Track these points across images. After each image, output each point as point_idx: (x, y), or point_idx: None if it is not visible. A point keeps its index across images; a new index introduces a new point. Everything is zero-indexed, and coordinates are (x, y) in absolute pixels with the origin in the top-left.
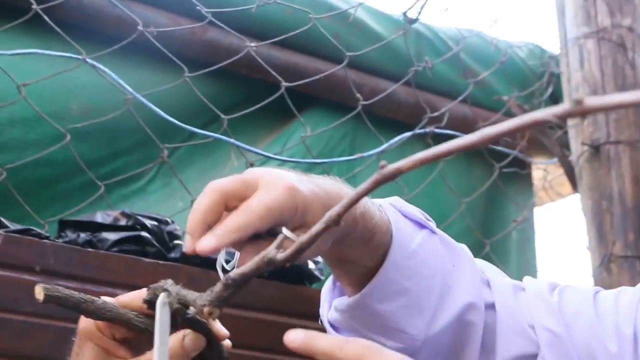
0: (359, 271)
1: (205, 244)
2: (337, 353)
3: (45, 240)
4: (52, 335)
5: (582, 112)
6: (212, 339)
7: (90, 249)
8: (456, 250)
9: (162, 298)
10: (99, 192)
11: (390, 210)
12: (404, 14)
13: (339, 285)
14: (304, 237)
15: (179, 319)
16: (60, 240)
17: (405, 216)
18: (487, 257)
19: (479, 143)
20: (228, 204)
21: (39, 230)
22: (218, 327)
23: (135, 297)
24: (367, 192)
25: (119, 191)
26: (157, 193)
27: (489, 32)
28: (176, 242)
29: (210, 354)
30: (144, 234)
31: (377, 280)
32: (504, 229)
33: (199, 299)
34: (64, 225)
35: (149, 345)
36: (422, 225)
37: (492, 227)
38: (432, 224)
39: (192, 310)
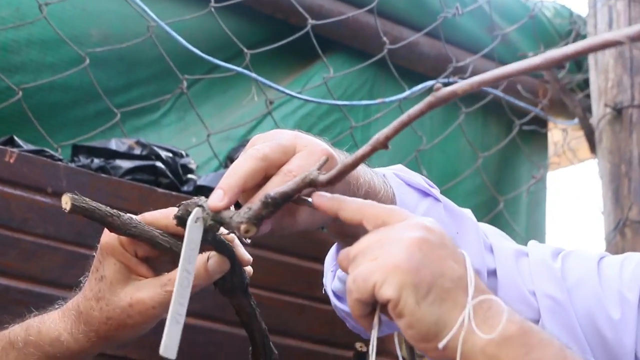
0: None
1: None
2: (366, 208)
3: (59, 162)
4: (61, 258)
5: None
6: (235, 263)
7: (103, 175)
8: (460, 217)
9: (195, 213)
10: (114, 119)
11: (395, 181)
12: None
13: None
14: (348, 158)
15: (210, 237)
16: (73, 164)
17: (409, 185)
18: (499, 215)
19: (543, 65)
20: (268, 172)
21: (52, 152)
22: (242, 251)
23: (161, 216)
24: (420, 115)
25: (132, 122)
26: (171, 126)
27: None
28: (189, 175)
29: (232, 278)
30: (158, 164)
31: None
32: (515, 188)
33: (236, 217)
34: (77, 150)
35: (170, 265)
36: (425, 194)
37: (504, 186)
38: (436, 191)
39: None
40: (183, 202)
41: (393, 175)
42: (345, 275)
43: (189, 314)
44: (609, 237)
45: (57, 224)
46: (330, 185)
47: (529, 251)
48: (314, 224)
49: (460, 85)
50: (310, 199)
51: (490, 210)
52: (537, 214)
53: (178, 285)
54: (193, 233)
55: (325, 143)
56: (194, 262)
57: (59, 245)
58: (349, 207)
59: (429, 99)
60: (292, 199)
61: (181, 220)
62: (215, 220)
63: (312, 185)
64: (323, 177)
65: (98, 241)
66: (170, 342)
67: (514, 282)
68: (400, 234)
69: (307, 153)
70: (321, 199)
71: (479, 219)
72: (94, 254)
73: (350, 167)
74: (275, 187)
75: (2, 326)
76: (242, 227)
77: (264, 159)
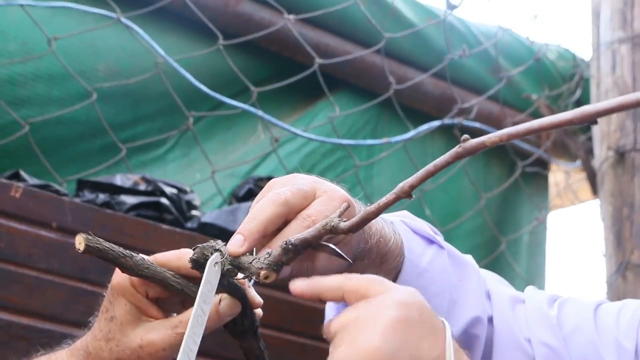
0: None
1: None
2: (345, 283)
3: (64, 197)
4: (64, 294)
5: None
6: (246, 306)
7: (108, 210)
8: (463, 264)
9: (214, 257)
10: (119, 154)
11: (402, 228)
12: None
13: None
14: (371, 207)
15: (225, 281)
16: (78, 199)
17: (415, 232)
18: (500, 256)
19: (576, 120)
20: (288, 217)
21: (57, 187)
22: (253, 294)
23: (173, 257)
24: (447, 165)
25: (138, 157)
26: (175, 162)
27: (520, 31)
28: (193, 212)
29: (243, 320)
30: (163, 200)
31: None
32: (516, 229)
33: (256, 262)
34: (82, 185)
35: (179, 306)
36: (430, 241)
37: (505, 227)
38: (440, 238)
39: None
40: (199, 245)
41: (400, 222)
42: None
43: None
44: (611, 280)
45: (61, 259)
46: (351, 232)
47: (526, 298)
48: (332, 270)
49: (489, 137)
50: (331, 245)
51: (491, 250)
52: (537, 254)
53: (192, 324)
54: (211, 275)
55: (343, 189)
56: (209, 302)
57: (62, 281)
58: (329, 287)
59: (456, 149)
60: (312, 245)
61: (197, 264)
62: (234, 264)
63: (332, 232)
64: (344, 225)
65: (102, 277)
66: None
67: (510, 329)
68: (376, 313)
69: (327, 198)
70: (300, 286)
71: (480, 259)
72: (98, 290)
73: (373, 215)
74: (294, 232)
75: None
76: (262, 273)
77: (285, 204)
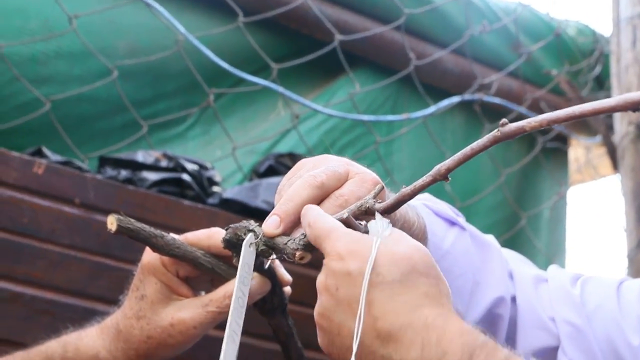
0: None
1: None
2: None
3: (87, 174)
4: (87, 269)
5: None
6: (276, 284)
7: (130, 186)
8: (485, 245)
9: (249, 238)
10: (140, 131)
11: (424, 211)
12: None
13: None
14: (407, 188)
15: (256, 261)
16: (100, 176)
17: (437, 214)
18: (520, 231)
19: (619, 107)
20: (322, 199)
21: (80, 164)
22: (282, 272)
23: (203, 237)
24: (484, 149)
25: (159, 135)
26: (196, 140)
27: (540, 7)
28: (215, 188)
29: (272, 299)
30: (185, 176)
31: None
32: (536, 205)
33: (291, 243)
34: (104, 161)
35: (209, 285)
36: (452, 222)
37: (525, 202)
38: (462, 219)
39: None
40: (232, 225)
41: (422, 206)
42: None
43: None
44: (632, 254)
45: (84, 234)
46: (386, 214)
47: (549, 277)
48: None
49: (529, 122)
50: (363, 223)
51: (511, 226)
52: (558, 230)
53: (233, 306)
54: (247, 256)
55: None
56: (248, 284)
57: (85, 256)
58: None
59: (494, 133)
60: (345, 226)
61: (229, 244)
62: (268, 245)
63: (367, 213)
64: (379, 206)
65: (124, 253)
66: (227, 359)
67: (533, 309)
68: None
69: (359, 180)
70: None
71: (500, 235)
72: (120, 265)
73: (408, 197)
74: (327, 211)
75: (28, 341)
76: (298, 254)
77: (321, 187)
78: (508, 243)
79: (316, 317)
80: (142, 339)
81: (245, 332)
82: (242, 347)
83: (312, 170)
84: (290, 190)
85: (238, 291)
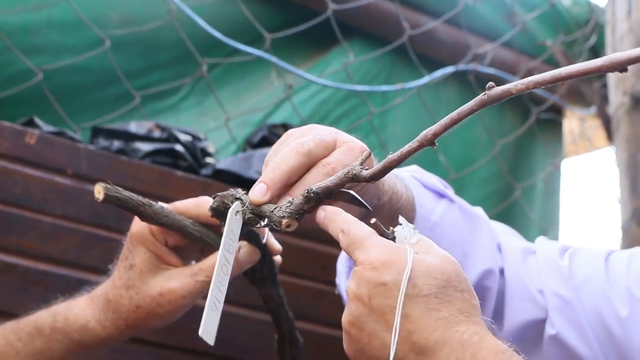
0: None
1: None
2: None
3: (79, 144)
4: (79, 240)
5: None
6: (266, 253)
7: (122, 157)
8: (473, 217)
9: (235, 206)
10: (133, 102)
11: (413, 183)
12: None
13: None
14: (394, 154)
15: (245, 230)
16: (93, 146)
17: (426, 187)
18: (514, 203)
19: (605, 68)
20: (309, 167)
21: (72, 134)
22: (272, 241)
23: (192, 205)
24: (471, 113)
25: (152, 106)
26: (189, 111)
27: None
28: (208, 159)
29: (262, 268)
30: (178, 147)
31: None
32: (530, 176)
33: (277, 211)
34: (97, 132)
35: (198, 254)
36: (441, 195)
37: (519, 174)
38: (450, 192)
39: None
40: (219, 194)
41: (411, 178)
42: None
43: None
44: (626, 225)
45: (76, 205)
46: (372, 181)
47: (537, 249)
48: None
49: (515, 84)
50: (351, 192)
51: (505, 197)
52: (552, 202)
53: (217, 273)
54: (233, 224)
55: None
56: (233, 251)
57: (78, 227)
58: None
59: (481, 97)
60: (333, 192)
61: (217, 212)
62: (255, 213)
63: (354, 180)
64: (366, 173)
65: (117, 223)
66: (208, 327)
67: (522, 281)
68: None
69: (346, 148)
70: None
71: (494, 206)
72: (113, 235)
73: (395, 163)
74: (314, 179)
75: (21, 312)
76: (284, 221)
77: (308, 154)
78: (502, 215)
79: (345, 325)
80: (131, 309)
81: (237, 302)
82: (234, 317)
83: (299, 139)
84: (277, 158)
85: (222, 258)
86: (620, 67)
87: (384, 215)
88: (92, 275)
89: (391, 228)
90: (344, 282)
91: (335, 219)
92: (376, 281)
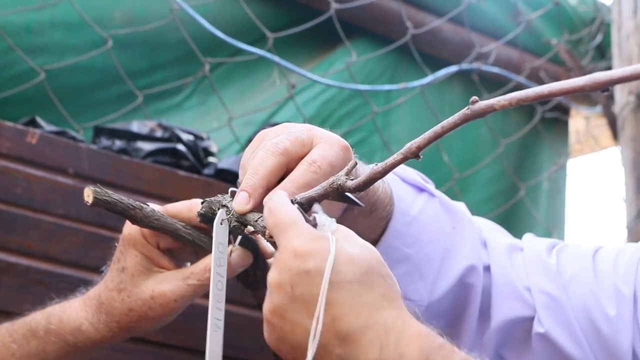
0: None
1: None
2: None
3: (81, 144)
4: (81, 240)
5: None
6: (258, 257)
7: (124, 157)
8: (455, 212)
9: (220, 215)
10: (136, 101)
11: (391, 177)
12: None
13: None
14: (378, 166)
15: (232, 238)
16: (95, 146)
17: (405, 181)
18: (519, 203)
19: (587, 87)
20: (289, 166)
21: (74, 134)
22: (265, 244)
23: (183, 208)
24: (455, 127)
25: (155, 105)
26: (193, 110)
27: None
28: (210, 158)
29: (255, 271)
30: (180, 146)
31: (379, 248)
32: (535, 176)
33: (261, 221)
34: (99, 131)
35: (193, 256)
36: (421, 189)
37: (524, 174)
38: (431, 186)
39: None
40: (207, 200)
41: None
42: None
43: (207, 296)
44: (631, 225)
45: (78, 205)
46: (357, 191)
47: (524, 246)
48: (332, 213)
49: (499, 100)
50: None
51: (510, 197)
52: (557, 201)
53: (213, 292)
54: (220, 235)
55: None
56: (224, 264)
57: (79, 227)
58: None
59: (464, 111)
60: (317, 202)
61: (204, 218)
62: (240, 222)
63: (339, 190)
64: (351, 183)
65: (119, 223)
66: (214, 349)
67: (508, 279)
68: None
69: (326, 144)
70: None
71: (499, 206)
72: (115, 235)
73: (380, 175)
74: (302, 177)
75: (22, 312)
76: (267, 232)
77: (285, 153)
78: (507, 214)
79: (266, 314)
80: (123, 312)
81: (237, 302)
82: (234, 317)
83: (274, 139)
84: (254, 162)
85: (215, 275)
86: (603, 86)
87: (360, 209)
88: (93, 275)
89: (313, 215)
90: None
91: (271, 197)
92: (299, 269)
